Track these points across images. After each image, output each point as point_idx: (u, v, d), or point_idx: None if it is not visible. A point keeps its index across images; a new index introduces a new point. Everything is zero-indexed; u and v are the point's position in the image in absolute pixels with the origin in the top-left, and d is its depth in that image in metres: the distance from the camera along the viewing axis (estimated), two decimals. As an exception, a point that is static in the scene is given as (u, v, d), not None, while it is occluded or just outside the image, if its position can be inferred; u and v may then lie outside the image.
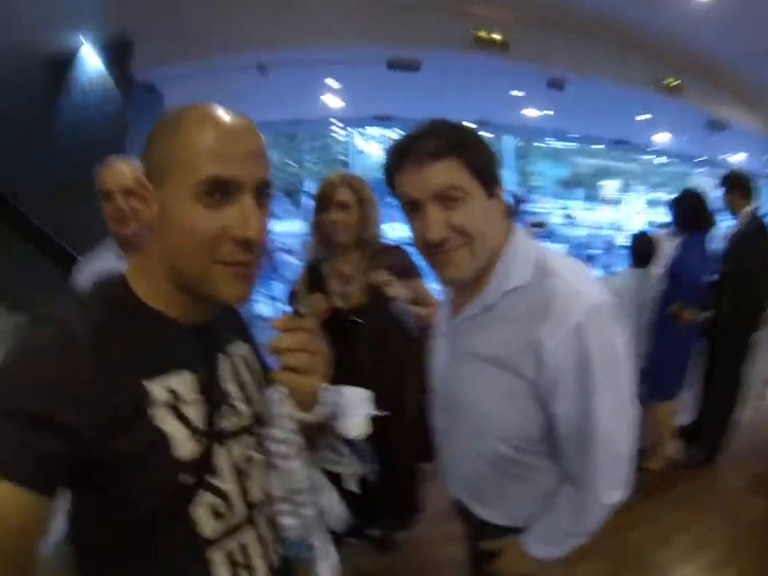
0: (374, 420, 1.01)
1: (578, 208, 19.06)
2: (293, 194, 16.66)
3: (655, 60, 6.47)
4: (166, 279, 0.84)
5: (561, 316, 1.06)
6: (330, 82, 6.76)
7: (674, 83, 6.68)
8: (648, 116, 8.15)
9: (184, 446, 0.81)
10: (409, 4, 5.01)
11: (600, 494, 1.15)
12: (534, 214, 17.31)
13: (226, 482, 0.88)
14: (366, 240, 2.22)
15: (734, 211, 3.92)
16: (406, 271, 2.21)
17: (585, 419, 1.10)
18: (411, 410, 2.14)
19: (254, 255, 0.83)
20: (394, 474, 1.90)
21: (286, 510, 0.99)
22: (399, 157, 1.12)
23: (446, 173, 1.07)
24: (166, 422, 0.79)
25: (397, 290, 2.05)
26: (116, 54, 5.05)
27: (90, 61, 5.15)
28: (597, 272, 14.13)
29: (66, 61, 5.13)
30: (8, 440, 0.67)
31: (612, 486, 1.15)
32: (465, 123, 1.15)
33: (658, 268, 4.36)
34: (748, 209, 3.90)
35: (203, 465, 0.84)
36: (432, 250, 1.12)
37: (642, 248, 4.03)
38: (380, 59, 5.50)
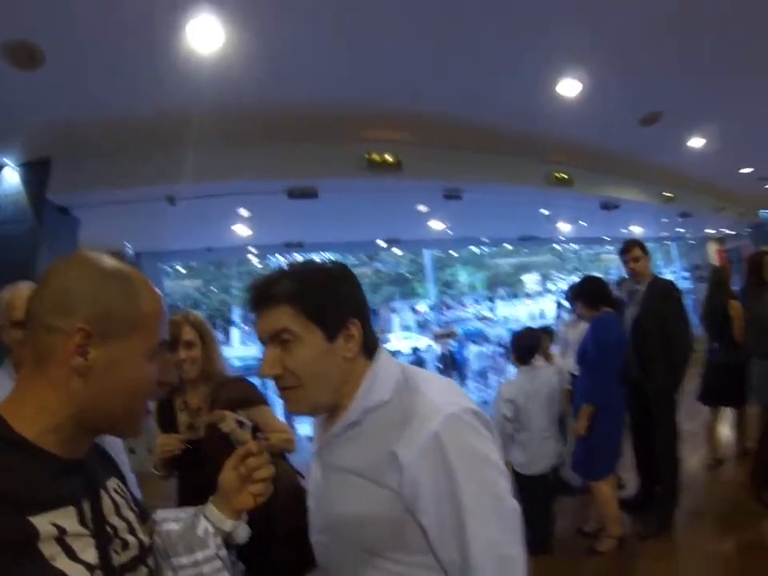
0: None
1: (502, 306, 19.75)
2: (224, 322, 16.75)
3: (542, 158, 6.87)
4: (73, 418, 0.85)
5: (417, 427, 1.08)
6: (242, 212, 6.87)
7: (563, 176, 7.05)
8: (546, 210, 8.55)
9: None
10: (303, 134, 5.21)
11: None
12: (456, 321, 17.59)
13: None
14: (211, 373, 2.37)
15: (640, 278, 4.05)
16: (249, 400, 2.37)
17: (456, 523, 1.06)
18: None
19: None
20: None
21: None
22: (249, 301, 1.22)
23: (278, 319, 1.16)
24: (58, 561, 0.75)
25: (229, 424, 2.16)
26: (34, 174, 5.18)
27: (10, 178, 5.25)
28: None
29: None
30: None
31: None
32: (321, 266, 1.25)
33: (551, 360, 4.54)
34: (650, 273, 4.12)
35: None
36: (275, 384, 1.20)
37: (525, 344, 4.07)
38: (280, 189, 5.63)
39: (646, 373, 3.87)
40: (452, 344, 13.92)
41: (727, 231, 14.98)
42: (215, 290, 17.79)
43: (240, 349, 15.62)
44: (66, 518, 0.79)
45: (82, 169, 5.14)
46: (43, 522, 0.75)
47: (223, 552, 1.12)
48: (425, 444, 1.05)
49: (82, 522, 0.82)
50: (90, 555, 0.80)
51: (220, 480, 1.17)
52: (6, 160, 5.20)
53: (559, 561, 3.69)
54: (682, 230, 13.32)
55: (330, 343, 1.17)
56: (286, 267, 1.23)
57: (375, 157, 5.57)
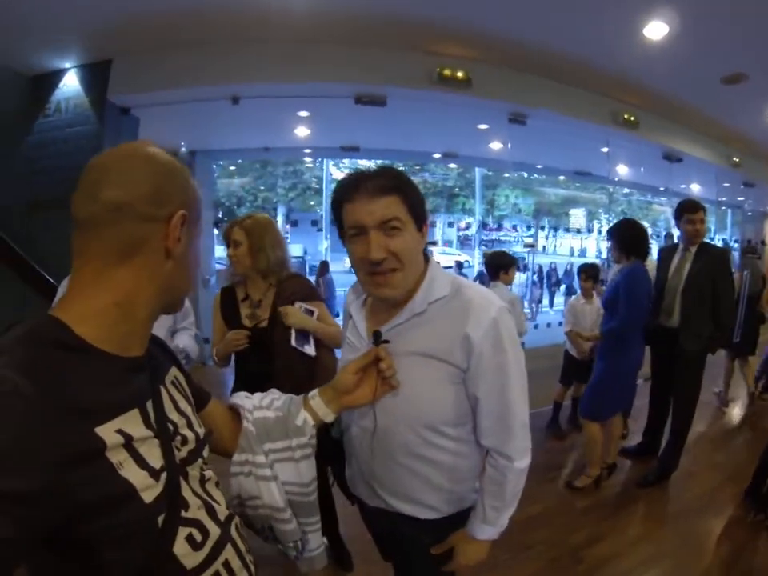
0: None
1: (546, 236, 19.54)
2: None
3: (612, 96, 6.76)
4: (149, 304, 0.92)
5: (481, 314, 1.36)
6: (302, 113, 6.93)
7: (631, 118, 6.93)
8: (607, 149, 8.42)
9: (150, 488, 0.82)
10: (376, 42, 5.19)
11: (516, 460, 1.45)
12: (500, 242, 17.39)
13: (195, 511, 0.93)
14: (263, 270, 2.64)
15: (694, 239, 4.02)
16: (309, 296, 2.71)
17: (502, 394, 1.41)
18: None
19: None
20: None
21: (286, 516, 1.27)
22: (352, 189, 1.34)
23: (389, 206, 1.32)
24: (125, 469, 0.79)
25: (292, 319, 2.53)
26: (95, 76, 5.28)
27: (70, 81, 5.37)
28: (560, 298, 14.57)
29: (49, 81, 5.41)
30: None
31: (523, 452, 1.47)
32: (401, 170, 1.46)
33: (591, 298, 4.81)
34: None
35: (172, 501, 0.87)
36: (373, 268, 1.35)
37: (495, 263, 4.34)
38: (348, 94, 5.68)
39: (693, 331, 3.95)
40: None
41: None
42: (262, 187, 17.74)
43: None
44: (132, 422, 0.83)
45: (143, 68, 5.17)
46: (109, 431, 0.77)
47: (314, 440, 1.32)
48: (488, 326, 1.35)
49: (147, 423, 0.87)
50: (155, 457, 0.85)
51: (336, 380, 1.40)
52: (67, 63, 5.26)
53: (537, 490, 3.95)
54: (741, 199, 12.81)
55: (418, 234, 1.40)
56: (374, 168, 1.39)
57: (446, 72, 5.56)
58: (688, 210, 4.00)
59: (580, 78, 6.19)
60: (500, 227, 19.13)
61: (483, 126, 7.76)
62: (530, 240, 17.44)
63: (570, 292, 14.05)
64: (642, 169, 10.23)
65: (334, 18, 4.66)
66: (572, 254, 18.23)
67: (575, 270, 14.58)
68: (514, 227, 18.30)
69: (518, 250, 15.58)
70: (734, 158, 9.01)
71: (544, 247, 19.37)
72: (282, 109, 6.52)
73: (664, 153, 8.14)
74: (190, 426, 1.03)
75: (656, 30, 4.81)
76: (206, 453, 1.07)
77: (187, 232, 0.95)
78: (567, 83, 6.32)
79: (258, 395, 1.39)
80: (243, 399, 1.35)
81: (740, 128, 7.93)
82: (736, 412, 6.01)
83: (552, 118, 6.66)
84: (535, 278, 14.37)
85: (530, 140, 7.76)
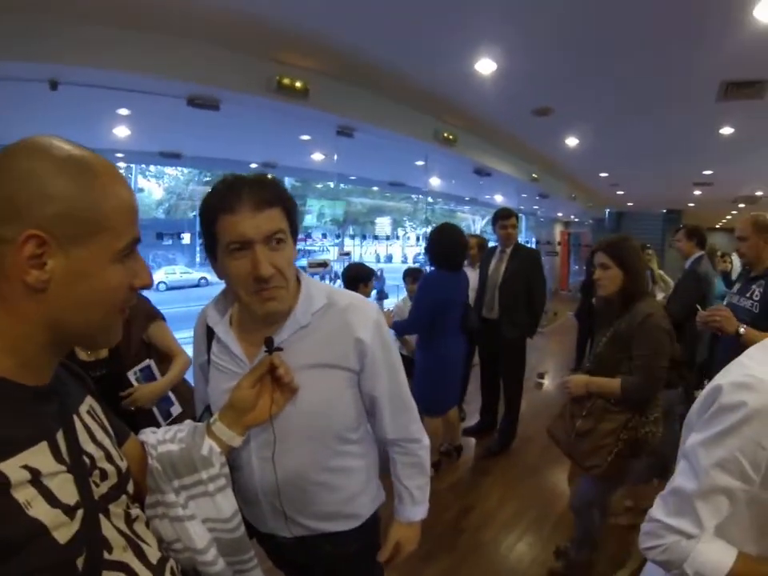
0: None
1: (352, 244, 20.09)
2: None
3: (437, 116, 7.26)
4: (38, 340, 0.76)
5: (364, 317, 1.41)
6: (122, 111, 6.18)
7: (450, 136, 7.48)
8: (423, 162, 9.00)
9: (64, 527, 0.72)
10: (215, 42, 4.91)
11: (422, 439, 1.60)
12: (308, 252, 17.58)
13: (120, 552, 0.82)
14: None
15: (507, 241, 4.61)
16: (153, 314, 2.53)
17: (398, 389, 1.51)
18: None
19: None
20: None
21: (209, 558, 1.12)
22: (233, 199, 1.22)
23: (274, 219, 1.25)
24: (34, 508, 0.69)
25: (146, 402, 2.34)
26: None
27: None
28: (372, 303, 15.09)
29: None
30: None
31: (423, 431, 1.62)
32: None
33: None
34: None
35: (93, 541, 0.76)
36: (260, 285, 1.26)
37: (353, 275, 4.33)
38: (178, 93, 5.27)
39: (511, 321, 4.54)
40: (312, 274, 13.88)
41: (573, 218, 17.77)
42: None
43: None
44: (39, 456, 0.72)
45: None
46: (13, 467, 0.68)
47: (226, 470, 1.20)
48: (373, 328, 1.41)
49: (57, 456, 0.76)
50: (69, 493, 0.75)
51: (234, 399, 1.27)
52: None
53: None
54: (536, 208, 14.94)
55: (294, 247, 1.35)
56: (252, 176, 1.28)
57: (286, 80, 5.46)
58: (502, 218, 4.63)
59: (409, 97, 6.52)
60: (307, 237, 19.30)
61: (305, 137, 7.85)
62: (338, 249, 17.84)
63: (380, 297, 14.60)
64: (453, 181, 11.15)
65: (174, 8, 4.18)
66: (378, 260, 18.94)
67: (383, 275, 15.17)
68: (324, 236, 18.59)
69: (330, 257, 15.86)
70: (534, 174, 10.49)
71: (348, 254, 19.87)
72: (101, 103, 5.69)
73: (476, 168, 9.02)
74: (109, 458, 0.90)
75: (485, 65, 5.28)
76: (130, 489, 0.95)
77: (67, 255, 0.73)
78: (396, 100, 6.62)
79: (163, 428, 1.24)
80: (148, 435, 1.21)
81: (542, 150, 9.24)
82: (549, 382, 7.35)
83: (378, 132, 6.93)
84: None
85: (354, 152, 7.97)
